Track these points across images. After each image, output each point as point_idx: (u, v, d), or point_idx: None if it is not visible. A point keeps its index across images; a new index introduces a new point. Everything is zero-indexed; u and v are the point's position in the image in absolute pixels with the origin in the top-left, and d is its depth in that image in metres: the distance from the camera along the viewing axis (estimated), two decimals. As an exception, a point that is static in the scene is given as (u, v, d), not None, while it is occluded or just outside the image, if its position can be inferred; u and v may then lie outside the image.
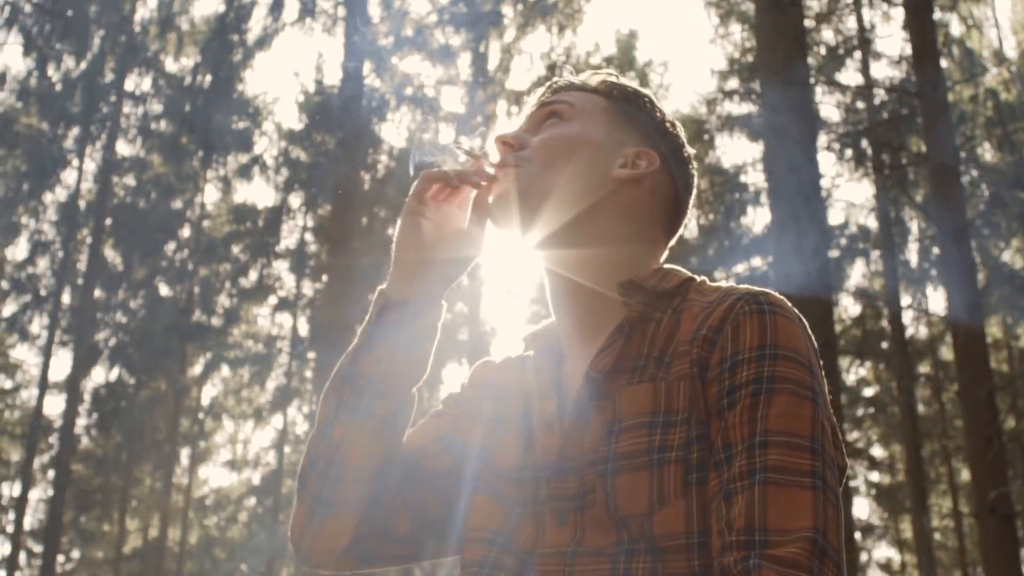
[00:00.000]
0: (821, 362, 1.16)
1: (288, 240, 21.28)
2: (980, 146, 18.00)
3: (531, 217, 1.27)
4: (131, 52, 19.15)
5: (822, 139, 16.44)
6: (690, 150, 1.38)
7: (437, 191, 1.31)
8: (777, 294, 1.17)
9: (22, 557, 20.24)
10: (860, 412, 21.43)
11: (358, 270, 13.34)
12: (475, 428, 1.32)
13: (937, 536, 21.67)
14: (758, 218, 18.08)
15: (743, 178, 17.99)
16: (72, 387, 18.61)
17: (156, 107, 19.60)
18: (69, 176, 19.39)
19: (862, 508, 23.75)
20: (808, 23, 15.32)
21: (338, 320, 12.20)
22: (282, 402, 21.61)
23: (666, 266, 1.31)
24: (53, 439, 20.26)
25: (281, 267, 21.46)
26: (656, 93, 19.48)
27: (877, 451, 22.63)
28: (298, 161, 21.17)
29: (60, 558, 21.28)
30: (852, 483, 20.36)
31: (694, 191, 1.38)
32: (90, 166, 19.69)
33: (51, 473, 19.96)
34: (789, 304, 1.16)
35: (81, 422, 19.79)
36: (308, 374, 21.43)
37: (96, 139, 19.47)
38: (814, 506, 1.03)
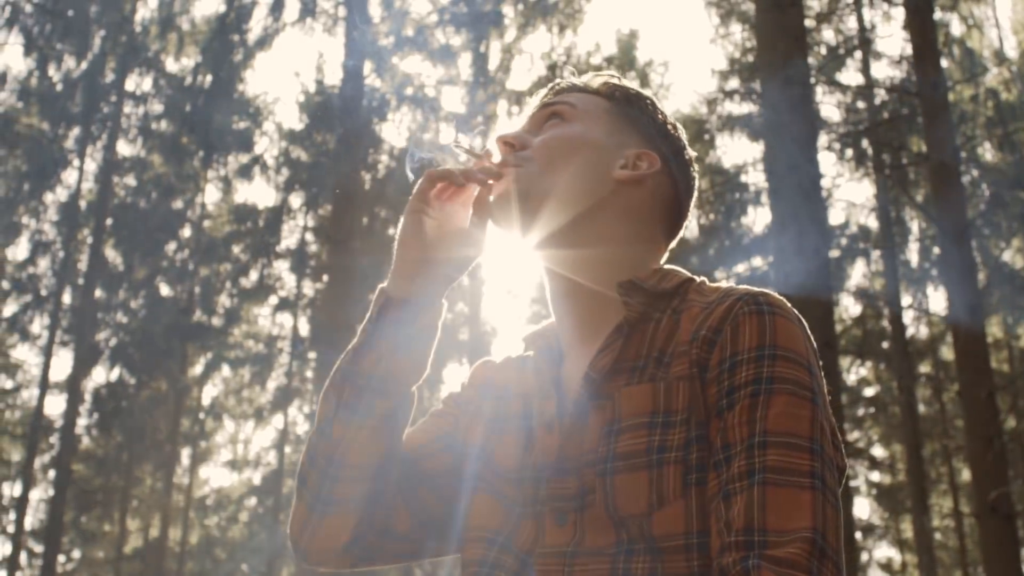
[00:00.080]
0: (820, 362, 1.16)
1: (289, 240, 21.31)
2: (980, 146, 18.01)
3: (531, 217, 1.27)
4: (132, 52, 19.16)
5: (823, 139, 16.44)
6: (691, 152, 1.38)
7: (441, 190, 1.31)
8: (776, 294, 1.17)
9: (23, 557, 20.24)
10: (861, 412, 21.43)
11: (359, 270, 13.34)
12: (475, 428, 1.32)
13: (938, 536, 21.67)
14: (759, 218, 18.10)
15: (744, 178, 17.99)
16: (73, 387, 18.62)
17: (157, 107, 19.62)
18: (70, 176, 19.43)
19: (863, 508, 23.77)
20: (808, 23, 15.31)
21: (339, 320, 12.20)
22: (283, 402, 21.61)
23: (666, 266, 1.31)
24: (54, 439, 20.27)
25: (282, 267, 21.48)
26: (657, 93, 19.51)
27: (878, 451, 22.63)
28: (299, 161, 21.18)
29: (61, 558, 21.29)
30: (853, 483, 20.36)
31: (695, 193, 1.39)
32: (91, 166, 19.71)
33: (52, 473, 19.97)
34: (788, 305, 1.16)
35: (82, 422, 19.81)
36: (309, 374, 21.44)
37: (97, 139, 19.48)
38: (813, 506, 1.03)
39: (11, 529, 19.73)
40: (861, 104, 17.78)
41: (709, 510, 1.08)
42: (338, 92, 16.02)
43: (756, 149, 18.93)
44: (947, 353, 18.89)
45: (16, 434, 21.39)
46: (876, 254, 18.55)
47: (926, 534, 17.04)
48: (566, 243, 1.28)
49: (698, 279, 1.28)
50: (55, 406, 26.26)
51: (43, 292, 19.24)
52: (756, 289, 1.17)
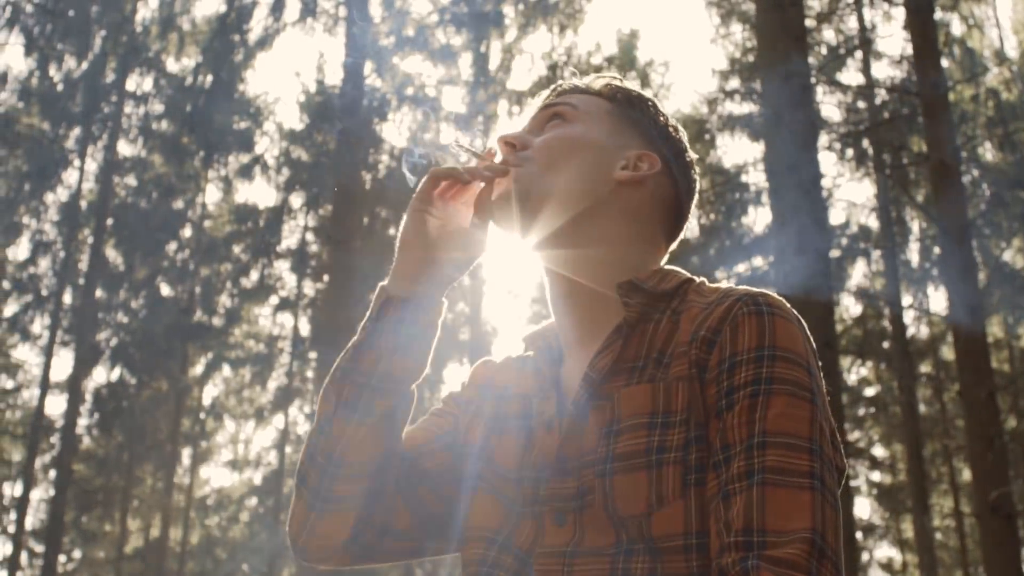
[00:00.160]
0: (819, 363, 1.16)
1: (289, 240, 21.30)
2: (981, 146, 18.01)
3: (532, 217, 1.28)
4: (132, 52, 19.17)
5: (823, 139, 16.44)
6: (692, 154, 1.38)
7: (444, 188, 1.32)
8: (775, 295, 1.17)
9: (23, 557, 20.24)
10: (861, 412, 21.42)
11: (359, 270, 13.34)
12: (475, 427, 1.33)
13: (938, 536, 21.67)
14: (759, 218, 18.10)
15: (744, 178, 17.99)
16: (73, 387, 18.62)
17: (157, 107, 19.62)
18: (70, 176, 19.44)
19: (863, 508, 23.77)
20: (809, 23, 15.31)
21: (339, 320, 12.21)
22: (283, 402, 21.61)
23: (665, 267, 1.31)
24: (54, 439, 20.27)
25: (282, 267, 21.48)
26: (657, 93, 19.51)
27: (878, 451, 22.62)
28: (299, 161, 21.17)
29: (61, 558, 21.29)
30: (853, 483, 20.36)
31: (696, 195, 1.39)
32: (91, 166, 19.72)
33: (52, 473, 19.97)
34: (788, 305, 1.17)
35: (82, 422, 19.81)
36: (309, 374, 21.44)
37: (97, 139, 19.49)
38: (812, 507, 1.03)
39: (12, 529, 19.74)
40: (862, 104, 17.78)
41: (708, 510, 1.08)
42: (339, 92, 16.02)
43: (757, 149, 18.94)
44: (948, 353, 18.88)
45: (17, 434, 21.39)
46: (877, 254, 18.55)
47: (927, 534, 17.05)
48: (566, 243, 1.28)
49: (698, 280, 1.28)
50: (56, 406, 26.27)
51: (44, 292, 19.25)
52: (755, 290, 1.17)
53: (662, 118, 1.37)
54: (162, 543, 21.77)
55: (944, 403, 20.10)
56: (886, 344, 19.28)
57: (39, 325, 19.53)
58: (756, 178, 17.66)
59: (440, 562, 21.27)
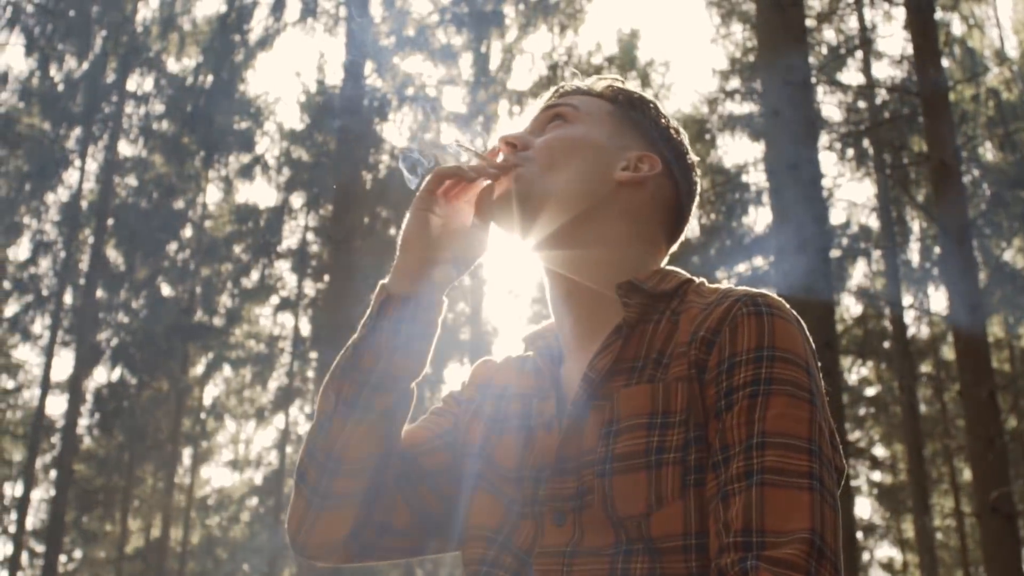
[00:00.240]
0: (819, 363, 1.16)
1: (290, 240, 21.32)
2: (982, 145, 18.01)
3: (532, 217, 1.28)
4: (133, 52, 19.17)
5: (824, 138, 16.44)
6: (693, 157, 1.39)
7: (448, 187, 1.32)
8: (775, 296, 1.17)
9: (24, 557, 20.25)
10: (862, 412, 21.42)
11: (360, 270, 13.34)
12: (475, 426, 1.33)
13: (939, 536, 21.67)
14: (759, 218, 18.10)
15: (744, 178, 17.99)
16: (74, 387, 18.63)
17: (158, 107, 19.63)
18: (71, 176, 19.45)
19: (864, 508, 23.77)
20: (809, 22, 15.31)
21: (340, 320, 12.20)
22: (284, 402, 21.62)
23: (665, 267, 1.31)
24: (55, 439, 20.28)
25: (283, 267, 21.49)
26: (658, 93, 19.51)
27: (879, 451, 22.62)
28: (300, 161, 21.19)
29: (62, 558, 21.29)
30: (854, 483, 20.35)
31: (696, 197, 1.39)
32: (92, 166, 19.73)
33: (53, 473, 19.98)
34: (787, 306, 1.17)
35: (83, 422, 19.82)
36: (310, 374, 21.44)
37: (98, 139, 19.49)
38: (811, 507, 1.03)
39: (12, 529, 19.75)
40: (862, 104, 17.78)
41: (707, 511, 1.08)
42: (339, 92, 16.01)
43: (757, 149, 18.94)
44: (948, 353, 18.87)
45: (17, 434, 21.40)
46: (877, 254, 18.56)
47: (927, 534, 17.05)
48: (566, 243, 1.28)
49: (697, 280, 1.28)
50: (56, 406, 26.27)
51: (44, 292, 19.26)
52: (754, 290, 1.17)
53: (663, 120, 1.37)
54: (163, 543, 21.77)
55: (944, 403, 20.10)
56: (887, 344, 19.28)
57: (40, 325, 19.56)
58: (756, 178, 17.68)
59: (440, 562, 21.27)
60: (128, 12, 19.41)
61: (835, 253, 17.26)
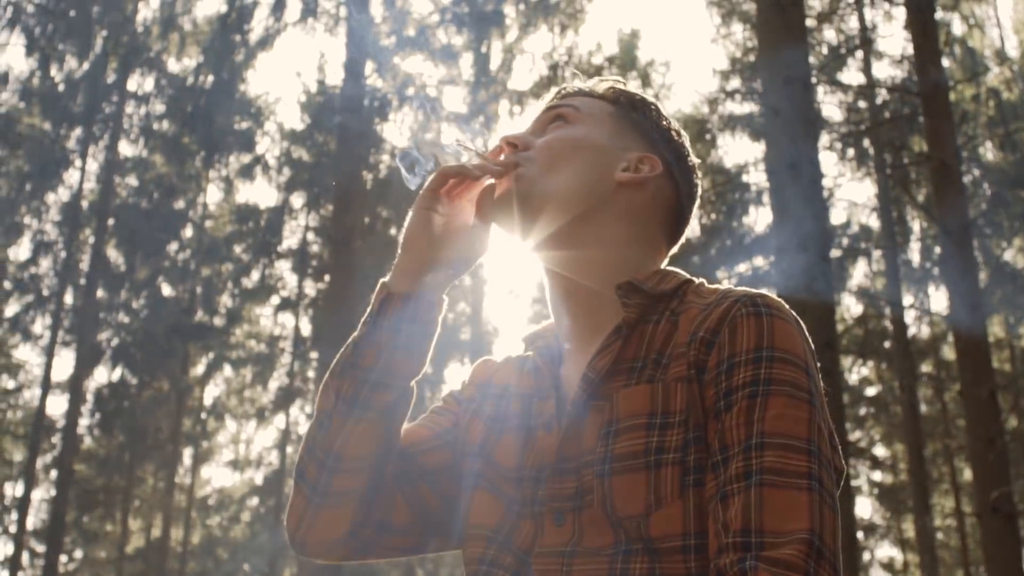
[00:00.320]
0: (818, 364, 1.17)
1: (290, 240, 21.33)
2: (982, 145, 18.00)
3: (532, 217, 1.28)
4: (133, 52, 19.17)
5: (824, 138, 16.44)
6: (694, 159, 1.39)
7: (451, 186, 1.32)
8: (774, 296, 1.17)
9: (25, 557, 20.26)
10: (862, 412, 21.42)
11: (360, 270, 13.34)
12: (475, 426, 1.33)
13: (939, 535, 21.67)
14: (760, 217, 18.09)
15: (745, 178, 17.98)
16: (75, 387, 18.64)
17: (158, 107, 19.63)
18: (72, 176, 19.44)
19: (864, 508, 23.77)
20: (810, 22, 15.31)
21: (341, 320, 12.20)
22: (284, 402, 21.62)
23: (664, 268, 1.32)
24: (56, 439, 20.28)
25: (283, 267, 21.50)
26: (658, 93, 19.50)
27: (879, 451, 22.62)
28: (300, 161, 21.20)
29: (63, 558, 21.30)
30: (855, 482, 20.36)
31: (697, 199, 1.39)
32: (92, 166, 19.73)
33: (54, 473, 19.98)
34: (786, 306, 1.17)
35: (84, 422, 19.82)
36: (310, 374, 21.45)
37: (98, 139, 19.50)
38: (810, 508, 1.03)
39: (13, 529, 19.75)
40: (862, 104, 17.77)
41: (707, 511, 1.08)
42: (339, 92, 16.00)
43: (757, 149, 18.94)
44: (948, 352, 18.88)
45: (18, 434, 21.41)
46: (877, 254, 18.55)
47: (928, 534, 17.05)
48: (566, 244, 1.29)
49: (696, 280, 1.28)
50: (57, 406, 26.31)
51: (45, 292, 19.26)
52: (754, 291, 1.18)
53: (664, 122, 1.37)
54: (163, 543, 21.78)
55: (945, 403, 20.10)
56: (887, 344, 19.28)
57: (40, 325, 19.56)
58: (757, 178, 17.67)
59: (441, 561, 21.28)
60: (128, 12, 19.41)
61: (835, 253, 17.26)
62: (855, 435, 20.74)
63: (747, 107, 17.79)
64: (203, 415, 22.96)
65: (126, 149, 20.07)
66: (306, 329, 21.57)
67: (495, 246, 1.35)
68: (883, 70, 18.94)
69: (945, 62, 13.99)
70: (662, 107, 1.40)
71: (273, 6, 15.86)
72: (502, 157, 1.34)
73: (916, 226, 19.28)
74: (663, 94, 20.32)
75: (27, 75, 18.86)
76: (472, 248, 1.32)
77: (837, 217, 19.01)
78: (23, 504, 18.87)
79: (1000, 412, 9.54)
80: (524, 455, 1.23)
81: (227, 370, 22.09)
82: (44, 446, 20.25)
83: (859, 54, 17.79)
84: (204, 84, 17.92)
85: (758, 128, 16.78)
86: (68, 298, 19.63)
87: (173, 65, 19.90)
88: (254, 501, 23.79)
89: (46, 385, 18.81)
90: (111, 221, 19.46)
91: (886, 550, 24.32)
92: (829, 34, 17.63)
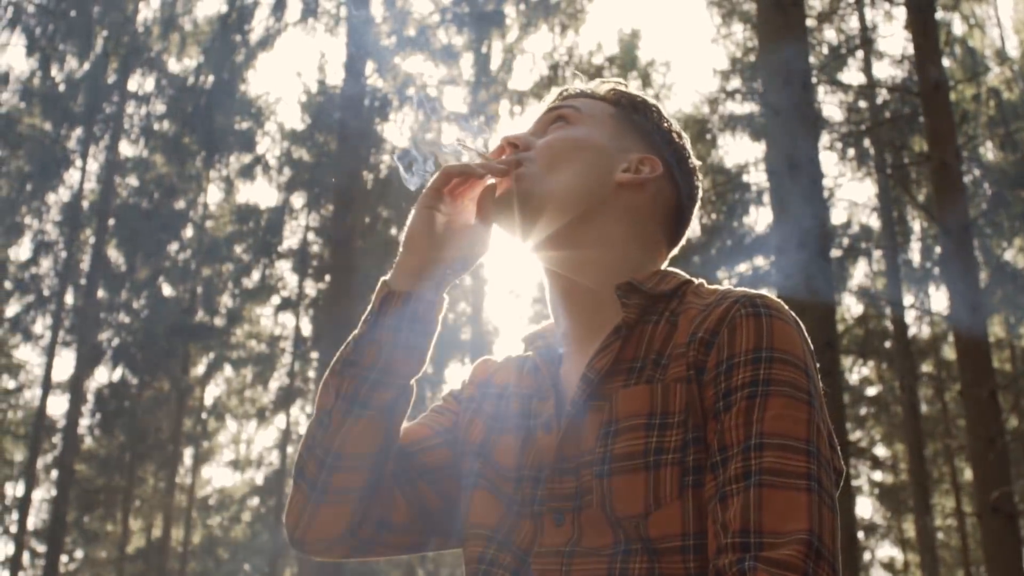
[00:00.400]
0: (817, 365, 1.17)
1: (291, 240, 21.34)
2: (982, 145, 18.00)
3: (532, 217, 1.28)
4: (134, 52, 19.18)
5: (824, 138, 16.43)
6: (695, 161, 1.39)
7: (454, 185, 1.32)
8: (773, 297, 1.17)
9: (25, 557, 20.26)
10: (863, 411, 21.43)
11: (361, 270, 13.35)
12: (475, 425, 1.33)
13: (940, 535, 21.67)
14: (760, 217, 18.08)
15: (745, 178, 17.98)
16: (75, 387, 18.64)
17: (159, 107, 19.64)
18: (72, 176, 19.45)
19: (865, 507, 23.78)
20: (810, 22, 15.31)
21: (341, 320, 12.21)
22: (285, 402, 21.63)
23: (664, 268, 1.32)
24: (56, 439, 20.29)
25: (284, 267, 21.51)
26: (659, 93, 19.48)
27: (880, 450, 22.63)
28: (300, 161, 21.21)
29: (63, 558, 21.30)
30: (855, 482, 20.36)
31: (698, 201, 1.40)
32: (93, 166, 19.74)
33: (54, 473, 19.99)
34: (786, 307, 1.17)
35: (84, 422, 19.83)
36: (311, 374, 21.45)
37: (99, 139, 19.51)
38: (809, 508, 1.03)
39: (14, 529, 19.76)
40: (863, 103, 17.77)
41: (706, 512, 1.08)
42: (340, 92, 16.01)
43: (758, 149, 18.94)
44: (949, 352, 18.88)
45: (19, 434, 21.42)
46: (878, 254, 18.55)
47: (928, 534, 17.05)
48: (566, 244, 1.29)
49: (696, 281, 1.28)
50: (58, 406, 26.34)
51: (46, 292, 19.27)
52: (753, 291, 1.18)
53: (665, 124, 1.38)
54: (164, 543, 21.78)
55: (945, 403, 20.10)
56: (887, 344, 19.28)
57: (41, 325, 19.57)
58: (757, 178, 17.66)
59: (441, 562, 21.29)
60: (129, 12, 19.42)
61: (836, 253, 17.27)
62: (856, 435, 20.74)
63: (747, 107, 17.78)
64: (204, 415, 22.97)
65: (127, 149, 20.10)
66: (307, 329, 21.59)
67: (496, 246, 1.35)
68: (883, 70, 18.95)
69: (945, 62, 14.01)
70: (663, 109, 1.40)
71: (274, 6, 15.86)
72: (503, 157, 1.35)
73: (916, 226, 19.28)
74: (663, 94, 20.32)
75: (28, 75, 18.88)
76: (473, 248, 1.32)
77: (837, 217, 19.02)
78: (24, 504, 18.87)
79: (1000, 412, 9.54)
80: (523, 455, 1.23)
81: (228, 370, 22.11)
82: (45, 446, 20.27)
83: (859, 54, 17.79)
84: (204, 84, 17.92)
85: (758, 128, 16.78)
86: (69, 298, 19.64)
87: (174, 65, 19.92)
88: (255, 501, 23.80)
89: (47, 385, 18.82)
90: (112, 221, 19.47)
91: (887, 550, 24.34)
92: (829, 34, 17.63)
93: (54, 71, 18.82)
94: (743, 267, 16.53)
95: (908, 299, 18.68)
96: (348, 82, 14.02)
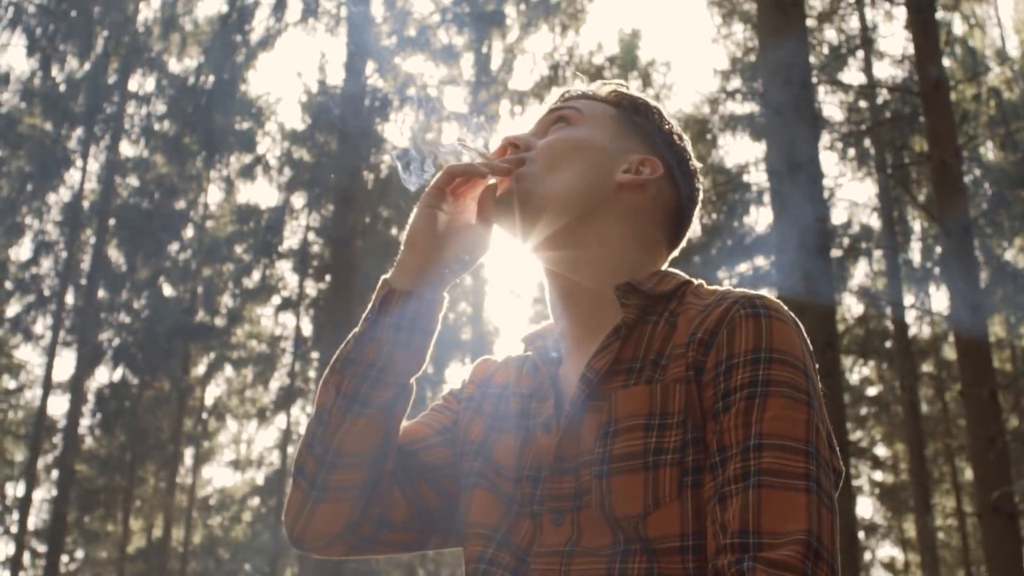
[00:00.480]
0: (816, 365, 1.17)
1: (291, 240, 21.35)
2: (983, 145, 17.99)
3: (533, 217, 1.29)
4: (134, 53, 19.18)
5: (825, 138, 16.44)
6: (696, 162, 1.40)
7: (457, 184, 1.32)
8: (773, 298, 1.18)
9: (26, 557, 20.27)
10: (863, 411, 21.43)
11: (361, 270, 13.35)
12: (475, 424, 1.34)
13: (940, 535, 21.67)
14: (761, 217, 18.09)
15: (746, 178, 17.98)
16: (76, 387, 18.64)
17: (159, 107, 19.64)
18: (73, 176, 19.45)
19: (865, 507, 23.78)
20: (810, 22, 15.31)
21: (341, 320, 12.21)
22: (285, 402, 21.63)
23: (664, 269, 1.32)
24: (57, 439, 20.30)
25: (284, 267, 21.51)
26: (659, 93, 19.47)
27: (880, 450, 22.63)
28: (301, 161, 21.21)
29: (64, 558, 21.31)
30: (855, 482, 20.37)
31: (698, 202, 1.40)
32: (94, 166, 19.74)
33: (55, 473, 20.00)
34: (785, 308, 1.17)
35: (85, 422, 19.83)
36: (311, 374, 21.46)
37: (100, 139, 19.51)
38: (808, 509, 1.03)
39: (14, 529, 19.77)
40: (863, 103, 17.77)
41: (705, 512, 1.08)
42: (340, 92, 16.01)
43: (758, 149, 18.93)
44: (949, 352, 18.88)
45: (19, 434, 21.43)
46: (878, 254, 18.55)
47: (929, 533, 17.05)
48: (566, 244, 1.29)
49: (696, 281, 1.29)
50: (58, 406, 26.35)
51: (46, 292, 19.27)
52: (752, 292, 1.18)
53: (666, 125, 1.38)
54: (164, 543, 21.79)
55: (946, 402, 20.10)
56: (888, 344, 19.29)
57: (41, 325, 19.57)
58: (758, 178, 17.66)
59: (442, 562, 21.29)
60: (129, 12, 19.42)
61: (836, 253, 17.26)
62: (856, 435, 20.74)
63: (748, 107, 17.79)
64: (204, 415, 22.98)
65: (127, 149, 20.10)
66: (307, 329, 21.60)
67: (496, 246, 1.35)
68: (884, 70, 18.94)
69: (946, 62, 13.99)
70: (664, 110, 1.40)
71: (274, 6, 15.86)
72: (505, 157, 1.35)
73: (917, 226, 19.27)
74: (664, 94, 20.31)
75: (28, 75, 18.88)
76: (474, 247, 1.32)
77: (838, 217, 19.02)
78: (24, 504, 18.88)
79: (1001, 412, 9.54)
80: (523, 455, 1.23)
81: (228, 370, 22.12)
82: (45, 446, 20.27)
83: (860, 54, 17.79)
84: (205, 84, 17.92)
85: (759, 128, 16.78)
86: (69, 298, 19.65)
87: (174, 65, 19.92)
88: (255, 501, 23.81)
89: (47, 385, 18.82)
90: (112, 221, 19.47)
91: (887, 550, 24.35)
92: (830, 34, 17.63)
93: (55, 71, 18.83)
94: (743, 267, 16.54)
95: (908, 299, 18.68)
96: (348, 82, 14.02)
